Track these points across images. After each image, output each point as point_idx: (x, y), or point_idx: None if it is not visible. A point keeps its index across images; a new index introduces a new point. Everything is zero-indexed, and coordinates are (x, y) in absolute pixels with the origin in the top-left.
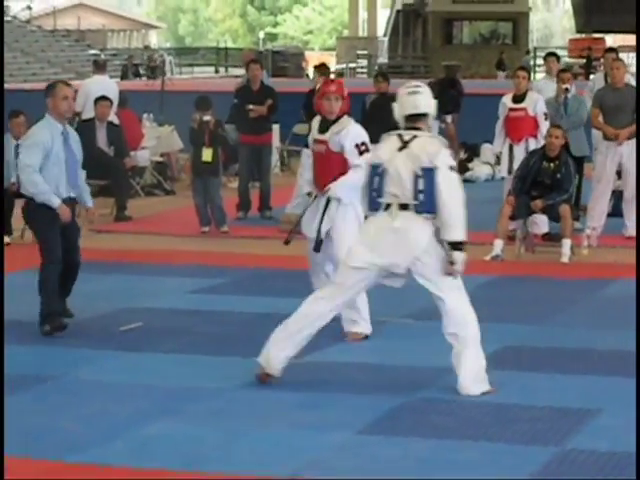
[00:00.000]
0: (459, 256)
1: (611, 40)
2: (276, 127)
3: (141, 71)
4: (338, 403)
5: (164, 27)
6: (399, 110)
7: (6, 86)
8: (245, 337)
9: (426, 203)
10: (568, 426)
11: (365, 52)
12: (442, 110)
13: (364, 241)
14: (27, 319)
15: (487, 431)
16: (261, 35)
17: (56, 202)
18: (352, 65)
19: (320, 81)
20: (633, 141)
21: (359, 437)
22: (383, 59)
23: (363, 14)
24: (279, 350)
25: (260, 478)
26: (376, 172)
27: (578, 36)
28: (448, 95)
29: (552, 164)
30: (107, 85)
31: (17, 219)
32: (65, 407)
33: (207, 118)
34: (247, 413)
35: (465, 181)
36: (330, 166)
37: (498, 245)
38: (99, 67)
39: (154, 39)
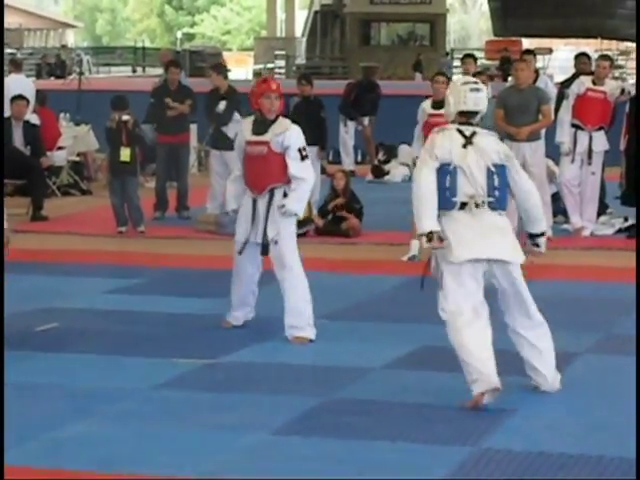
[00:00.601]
0: (543, 241)
1: (528, 42)
2: (194, 127)
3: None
4: (253, 404)
5: (81, 26)
6: (456, 104)
7: None
8: (161, 338)
9: (501, 200)
10: (484, 426)
11: (283, 52)
12: (359, 112)
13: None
14: None
15: (404, 431)
16: (179, 35)
17: None
18: (270, 65)
19: (217, 80)
20: (537, 142)
21: (274, 438)
22: (301, 60)
23: (281, 15)
24: None
25: (175, 479)
26: (447, 170)
27: (495, 38)
28: (367, 98)
29: None
30: (24, 84)
31: None
32: None
33: (125, 118)
34: (161, 414)
35: (382, 182)
36: (270, 168)
37: (415, 246)
38: (16, 66)
39: (71, 38)
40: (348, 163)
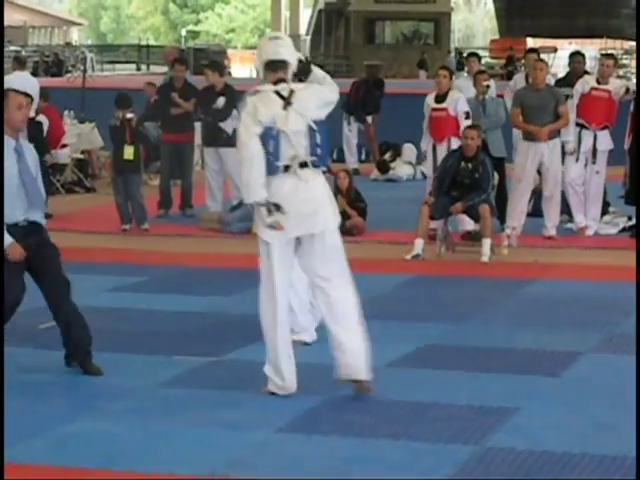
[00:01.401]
0: None
1: (532, 41)
2: (197, 125)
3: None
4: (257, 401)
5: (86, 24)
6: (259, 57)
7: None
8: (165, 335)
9: (322, 157)
10: (487, 424)
11: None
12: (363, 111)
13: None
14: None
15: (407, 430)
16: (183, 33)
17: (6, 241)
18: None
19: (213, 77)
20: (554, 141)
21: (278, 435)
22: None
23: (286, 13)
24: None
25: (178, 477)
26: (269, 134)
27: (499, 37)
28: (372, 96)
29: (469, 164)
30: (28, 81)
31: None
32: None
33: (129, 116)
34: (166, 411)
35: (388, 180)
36: None
37: (419, 244)
38: (20, 63)
39: (75, 36)
40: (352, 162)
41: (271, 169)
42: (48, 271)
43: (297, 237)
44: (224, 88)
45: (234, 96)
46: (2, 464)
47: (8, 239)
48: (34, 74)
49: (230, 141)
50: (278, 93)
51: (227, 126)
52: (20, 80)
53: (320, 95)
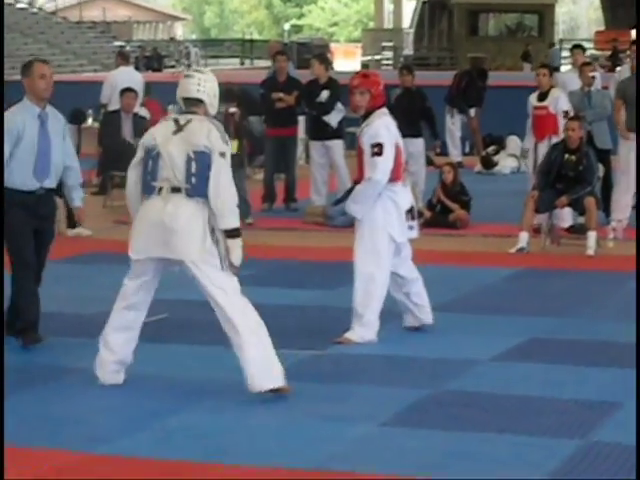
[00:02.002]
0: (236, 243)
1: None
2: (302, 119)
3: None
4: (362, 395)
5: (190, 19)
6: (178, 92)
7: None
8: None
9: (198, 187)
10: (592, 419)
11: (391, 44)
12: (466, 103)
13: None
14: (51, 310)
15: (511, 424)
16: (286, 27)
17: None
18: (377, 57)
19: (319, 70)
20: None
21: (383, 429)
22: (409, 51)
23: (389, 6)
24: None
25: (281, 470)
26: (150, 155)
27: (604, 28)
28: (475, 87)
29: (573, 156)
30: (133, 76)
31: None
32: (90, 399)
33: (232, 110)
34: (270, 405)
35: (492, 174)
36: (360, 164)
37: (523, 238)
38: (124, 58)
39: (180, 31)
40: (455, 154)
41: (147, 188)
42: (39, 253)
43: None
44: (328, 81)
45: (337, 89)
46: (2, 464)
47: None
48: (136, 69)
49: (335, 133)
50: (176, 120)
51: (331, 119)
52: (124, 75)
53: (209, 135)
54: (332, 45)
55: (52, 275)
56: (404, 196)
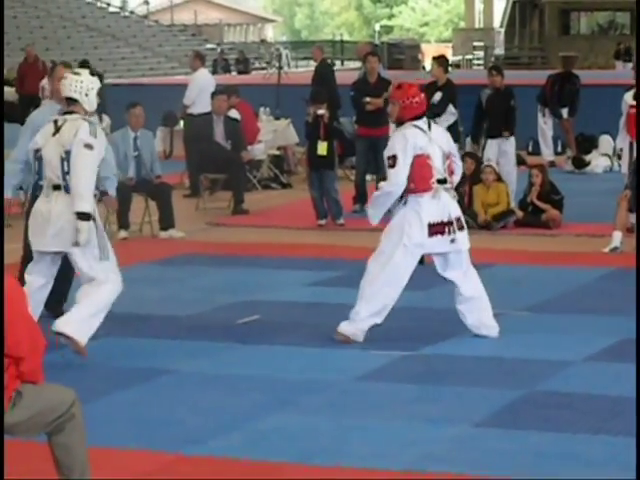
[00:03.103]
0: (83, 225)
1: None
2: None
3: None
4: (454, 396)
5: (280, 21)
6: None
7: (124, 80)
8: None
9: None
10: None
11: (481, 44)
12: (559, 104)
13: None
14: (144, 312)
15: (606, 424)
16: (377, 28)
17: (6, 194)
18: (468, 57)
19: (437, 72)
20: None
21: (476, 430)
22: (499, 50)
23: (479, 5)
24: None
25: (375, 471)
26: (35, 156)
27: None
28: (565, 89)
29: None
30: (209, 78)
31: (134, 213)
32: (183, 400)
33: (321, 112)
34: (362, 405)
35: (583, 173)
36: None
37: (617, 237)
38: (203, 60)
39: (270, 33)
40: (547, 154)
41: (36, 187)
42: None
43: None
44: (445, 83)
45: (452, 92)
46: (2, 463)
47: (8, 193)
48: (227, 71)
49: None
50: (55, 122)
51: (441, 122)
52: (207, 77)
53: (77, 132)
54: (423, 45)
55: (144, 277)
56: (430, 208)
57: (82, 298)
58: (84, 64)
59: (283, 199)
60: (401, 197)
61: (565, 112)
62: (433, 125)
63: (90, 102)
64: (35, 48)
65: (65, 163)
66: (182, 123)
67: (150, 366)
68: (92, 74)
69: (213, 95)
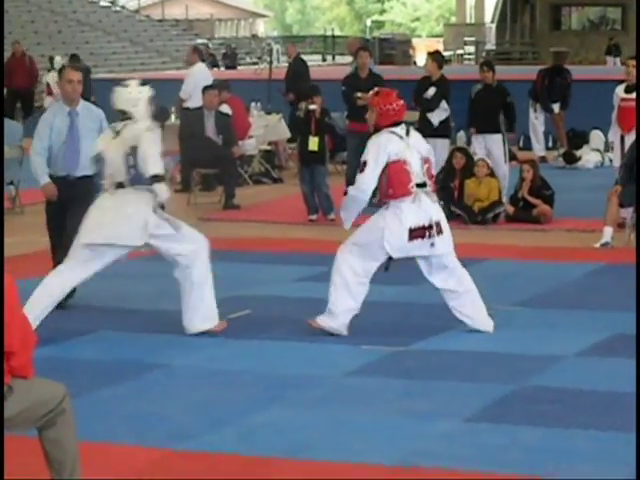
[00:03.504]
0: (161, 186)
1: None
2: None
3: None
4: (445, 391)
5: (271, 16)
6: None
7: (115, 75)
8: (351, 324)
9: (136, 177)
10: None
11: (472, 39)
12: (550, 99)
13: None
14: (135, 307)
15: (597, 419)
16: (368, 23)
17: (41, 181)
18: (460, 52)
19: (431, 67)
20: None
21: (467, 425)
22: (491, 45)
23: (470, 0)
24: None
25: (366, 466)
26: (96, 159)
27: None
28: (556, 83)
29: None
30: (207, 73)
31: None
32: (174, 395)
33: (313, 107)
34: (354, 400)
35: (574, 168)
36: None
37: (608, 232)
38: (201, 55)
39: (261, 28)
40: (538, 149)
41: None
42: (73, 225)
43: None
44: (439, 79)
45: (445, 88)
46: (2, 462)
47: (43, 180)
48: (215, 66)
49: (439, 132)
50: (114, 128)
51: (433, 117)
52: (204, 72)
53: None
54: (414, 40)
55: (135, 272)
56: (411, 212)
57: (191, 291)
58: (73, 58)
59: (274, 194)
60: (384, 203)
61: (557, 107)
62: (412, 131)
63: (139, 112)
64: (26, 43)
65: (130, 157)
66: (173, 118)
67: (141, 361)
68: (83, 68)
69: (204, 90)
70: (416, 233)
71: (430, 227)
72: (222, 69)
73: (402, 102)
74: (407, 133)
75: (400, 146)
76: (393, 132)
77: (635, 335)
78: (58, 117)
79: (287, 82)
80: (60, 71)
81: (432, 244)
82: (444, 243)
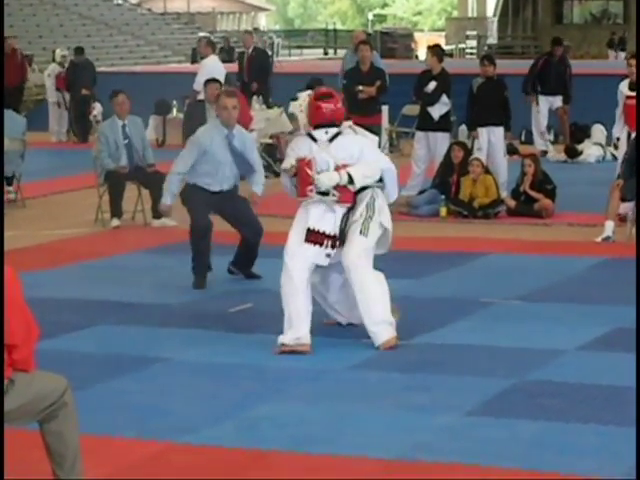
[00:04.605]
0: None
1: None
2: (385, 108)
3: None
4: (446, 385)
5: (273, 9)
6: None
7: (117, 69)
8: None
9: None
10: None
11: (474, 33)
12: (546, 89)
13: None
14: (136, 300)
15: (597, 414)
16: (370, 16)
17: (166, 200)
18: (461, 46)
19: (432, 61)
20: None
21: (468, 419)
22: (493, 40)
23: None
24: None
25: (367, 459)
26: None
27: None
28: (551, 73)
29: None
30: (219, 66)
31: (127, 202)
32: (175, 389)
33: None
34: (355, 394)
35: (576, 162)
36: None
37: (609, 227)
38: (213, 47)
39: (263, 21)
40: (540, 143)
41: None
42: (238, 218)
43: None
44: (439, 73)
45: (446, 82)
46: (2, 463)
47: (168, 199)
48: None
49: (440, 126)
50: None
51: (433, 111)
52: (216, 64)
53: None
54: (416, 34)
55: (137, 265)
56: (315, 215)
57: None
58: (78, 51)
59: (276, 188)
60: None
61: (558, 100)
62: (340, 137)
63: (300, 119)
64: (27, 36)
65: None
66: (174, 111)
67: (142, 354)
68: (87, 62)
69: (206, 83)
70: (314, 237)
71: (331, 237)
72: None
73: (332, 106)
74: (333, 138)
75: (312, 148)
76: (309, 134)
77: (633, 329)
78: (215, 138)
79: (249, 73)
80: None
81: (328, 255)
82: (331, 257)
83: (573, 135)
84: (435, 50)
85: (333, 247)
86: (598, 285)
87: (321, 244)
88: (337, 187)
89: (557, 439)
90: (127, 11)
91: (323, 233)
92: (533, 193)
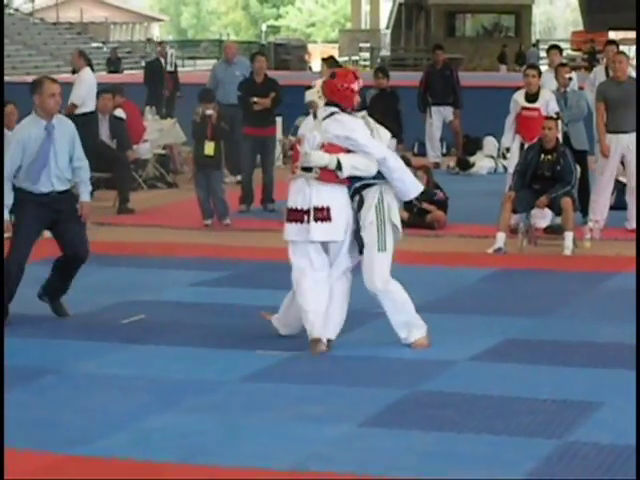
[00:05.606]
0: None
1: (613, 34)
2: (279, 120)
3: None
4: (339, 395)
5: (167, 20)
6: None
7: (9, 79)
8: (247, 330)
9: None
10: (570, 419)
11: (368, 45)
12: (436, 100)
13: None
14: (28, 312)
15: (489, 424)
16: (264, 28)
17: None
18: (355, 58)
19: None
20: (635, 133)
21: (361, 430)
22: (386, 52)
23: (365, 7)
24: None
25: (261, 471)
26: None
27: (581, 29)
28: (439, 83)
29: (550, 156)
30: (93, 78)
31: None
32: (68, 400)
33: (209, 112)
34: (248, 405)
35: (468, 174)
36: None
37: (500, 238)
38: (86, 59)
39: (157, 32)
40: (433, 156)
41: None
42: (66, 236)
43: None
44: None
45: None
46: (2, 463)
47: (5, 216)
48: (112, 71)
49: None
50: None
51: None
52: (91, 76)
53: None
54: (309, 46)
55: (26, 277)
56: (292, 192)
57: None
58: None
59: (169, 198)
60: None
61: (449, 110)
62: (334, 116)
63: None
64: None
65: None
66: None
67: (33, 366)
68: None
69: (98, 94)
70: (293, 215)
71: (307, 211)
72: (103, 73)
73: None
74: (328, 116)
75: (310, 125)
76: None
77: (527, 340)
78: (34, 133)
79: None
80: (36, 84)
81: (308, 230)
82: (324, 231)
83: (465, 147)
84: (330, 62)
85: (315, 221)
86: (489, 296)
87: (302, 221)
88: (323, 167)
89: (449, 449)
90: (19, 21)
91: (301, 210)
92: (425, 205)
